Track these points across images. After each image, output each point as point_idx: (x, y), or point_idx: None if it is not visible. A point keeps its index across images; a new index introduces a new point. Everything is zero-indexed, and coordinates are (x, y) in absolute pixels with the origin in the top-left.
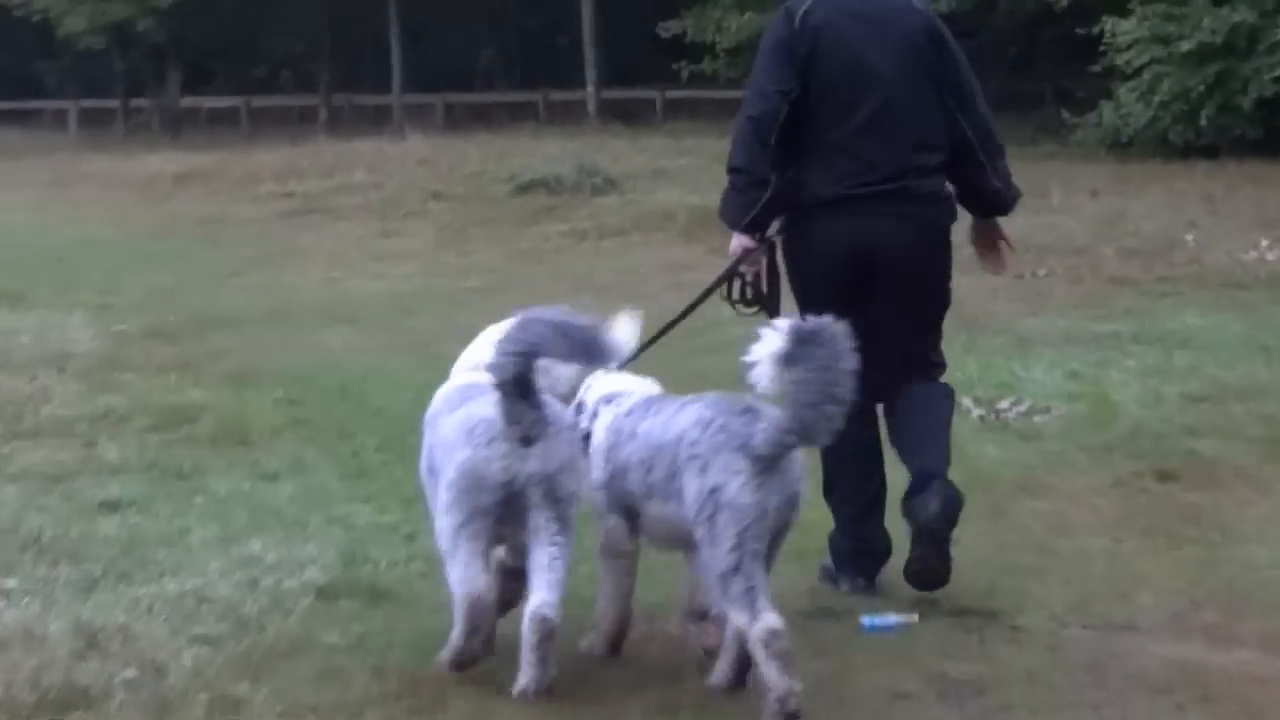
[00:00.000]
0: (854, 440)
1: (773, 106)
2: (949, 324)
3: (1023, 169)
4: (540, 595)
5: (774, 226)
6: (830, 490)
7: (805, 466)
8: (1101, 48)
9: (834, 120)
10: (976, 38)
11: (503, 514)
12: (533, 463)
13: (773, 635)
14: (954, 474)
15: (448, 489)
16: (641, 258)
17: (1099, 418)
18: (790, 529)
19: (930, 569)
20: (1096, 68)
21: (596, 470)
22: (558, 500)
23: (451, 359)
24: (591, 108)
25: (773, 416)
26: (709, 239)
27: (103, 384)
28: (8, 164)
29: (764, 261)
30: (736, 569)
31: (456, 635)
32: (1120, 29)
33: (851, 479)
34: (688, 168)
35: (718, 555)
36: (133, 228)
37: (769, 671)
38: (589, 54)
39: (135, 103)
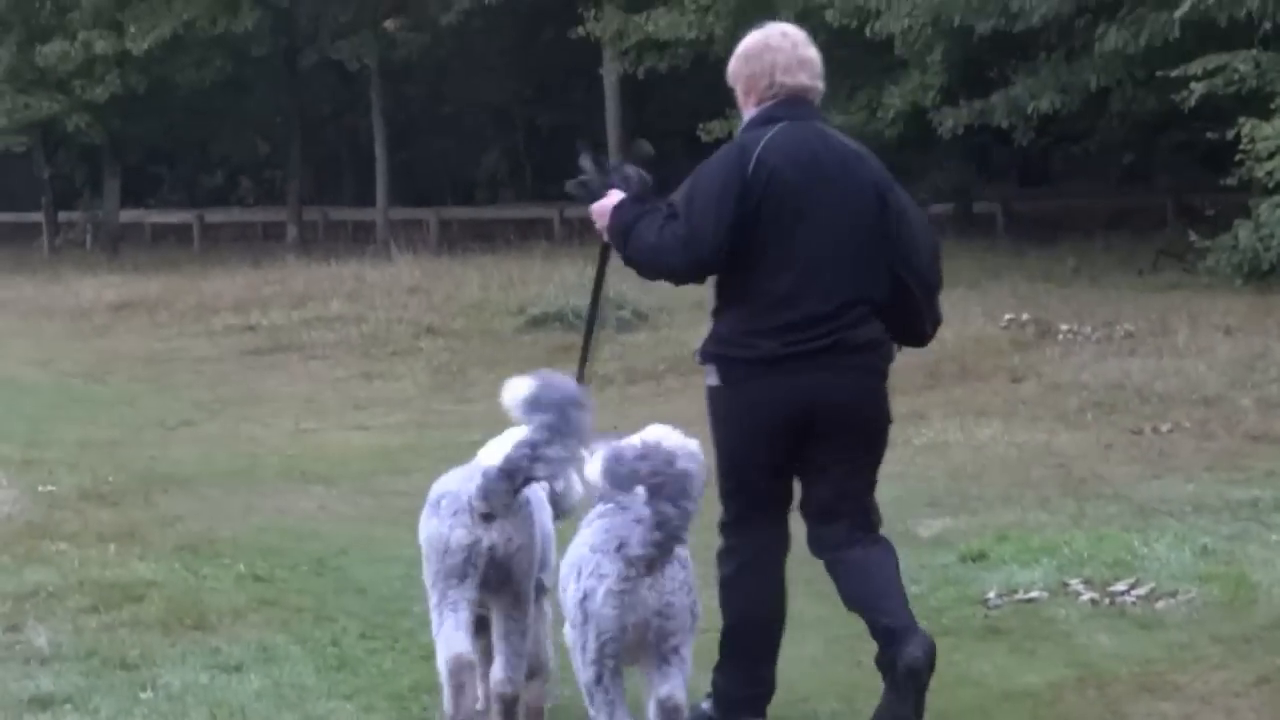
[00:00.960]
0: (771, 585)
1: (710, 256)
2: (1055, 487)
3: (1141, 302)
4: (497, 669)
5: (709, 374)
6: (733, 636)
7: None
8: (1238, 156)
9: (772, 271)
10: (1082, 144)
11: (473, 582)
12: (491, 535)
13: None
14: (1060, 668)
15: (425, 565)
16: (678, 407)
17: (1236, 603)
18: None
19: (908, 717)
20: (1231, 180)
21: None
22: (512, 578)
23: None
24: None
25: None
26: None
27: (29, 555)
28: None
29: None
30: (598, 680)
31: (446, 699)
32: (1261, 134)
33: (763, 623)
34: None
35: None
36: (62, 367)
37: None
38: (614, 161)
39: (65, 216)
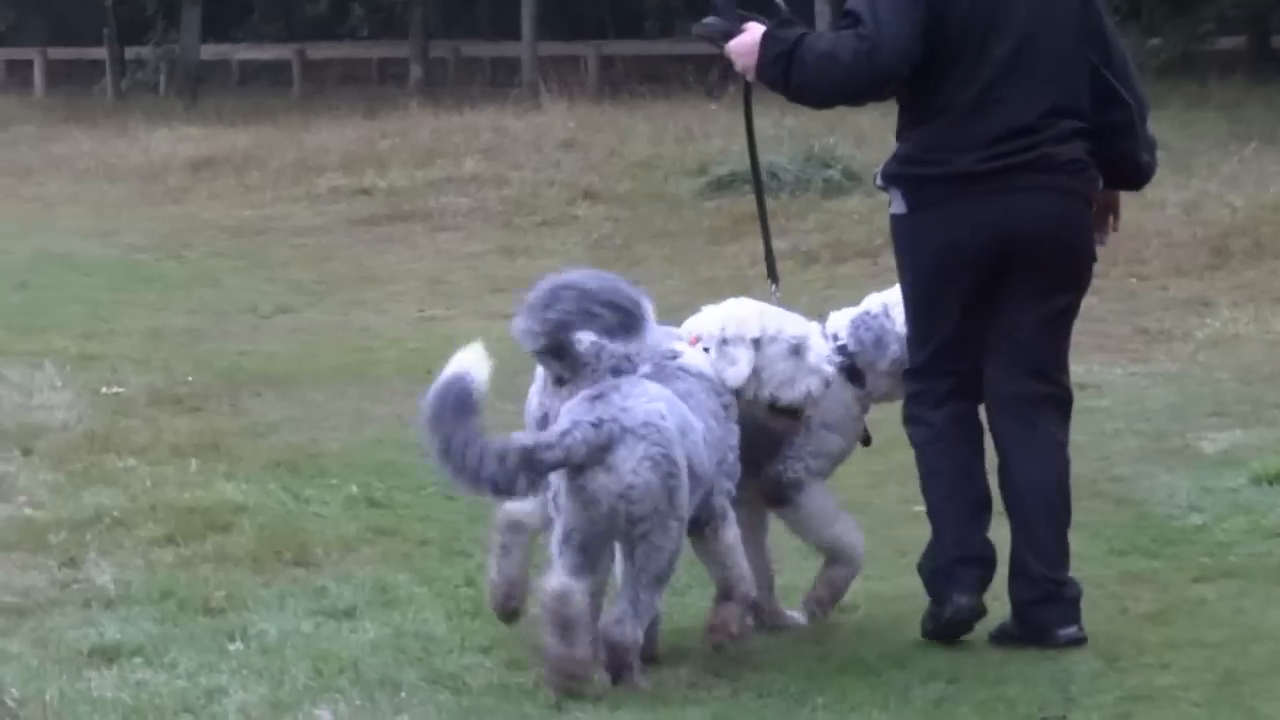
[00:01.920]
0: (969, 446)
1: (898, 61)
2: None
3: None
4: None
5: (894, 201)
6: (935, 508)
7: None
8: None
9: (965, 77)
10: None
11: None
12: (561, 400)
13: (554, 598)
14: None
15: None
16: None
17: None
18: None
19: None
20: None
21: None
22: None
23: None
24: None
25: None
26: None
27: (89, 474)
28: None
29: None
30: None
31: (491, 560)
32: None
33: (950, 477)
34: None
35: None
36: (129, 240)
37: (544, 634)
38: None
39: (133, 52)
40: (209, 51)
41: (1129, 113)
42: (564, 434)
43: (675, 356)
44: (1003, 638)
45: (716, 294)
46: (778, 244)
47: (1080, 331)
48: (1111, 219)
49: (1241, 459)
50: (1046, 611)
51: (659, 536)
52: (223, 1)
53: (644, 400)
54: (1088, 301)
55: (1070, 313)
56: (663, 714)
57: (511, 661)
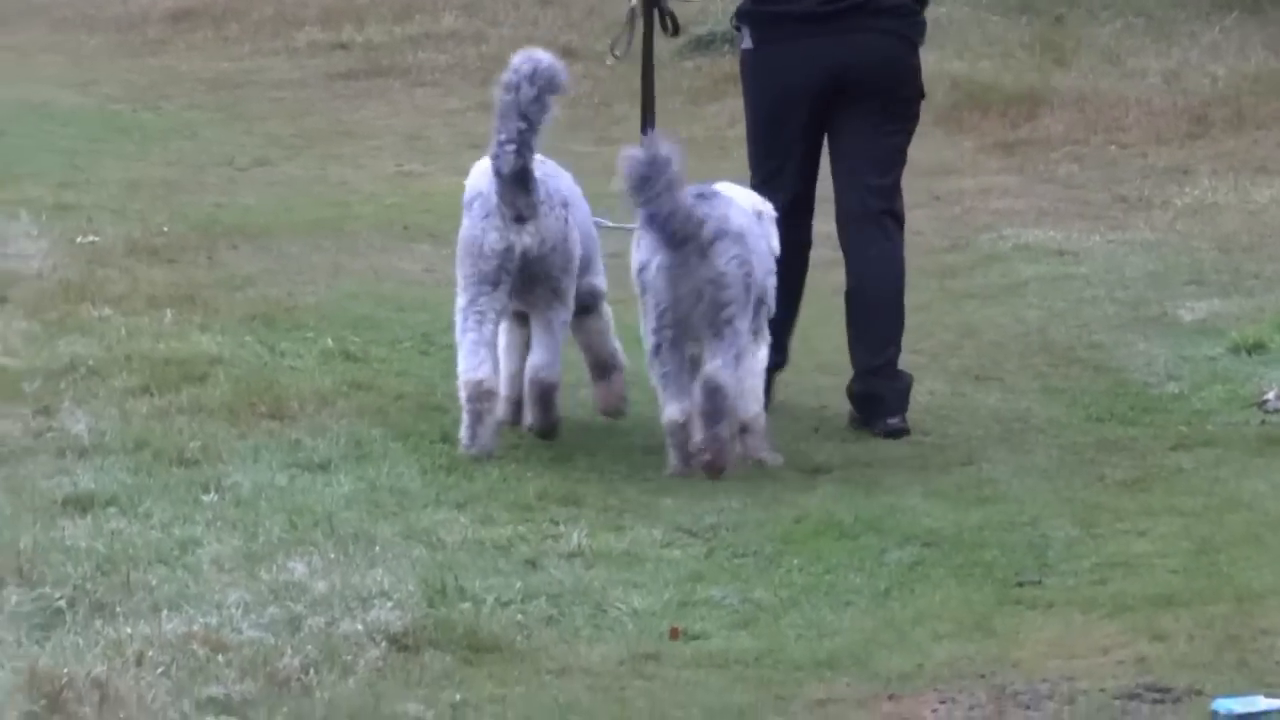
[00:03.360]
0: (798, 242)
1: None
2: None
3: None
4: (535, 357)
5: (743, 38)
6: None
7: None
8: None
9: None
10: None
11: (505, 289)
12: (525, 238)
13: (672, 425)
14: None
15: (457, 268)
16: None
17: None
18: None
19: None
20: None
21: None
22: (550, 275)
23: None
24: None
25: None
26: (983, 130)
27: (64, 323)
28: None
29: None
30: (655, 352)
31: (463, 427)
32: None
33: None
34: (951, 19)
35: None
36: (106, 90)
37: (667, 452)
38: None
39: None
40: None
41: None
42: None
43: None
44: (852, 423)
45: (697, 155)
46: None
47: (1059, 198)
48: None
49: (1220, 328)
50: (873, 403)
51: (740, 321)
52: None
53: (738, 212)
54: (1067, 168)
55: (900, 143)
56: (638, 573)
57: (486, 517)
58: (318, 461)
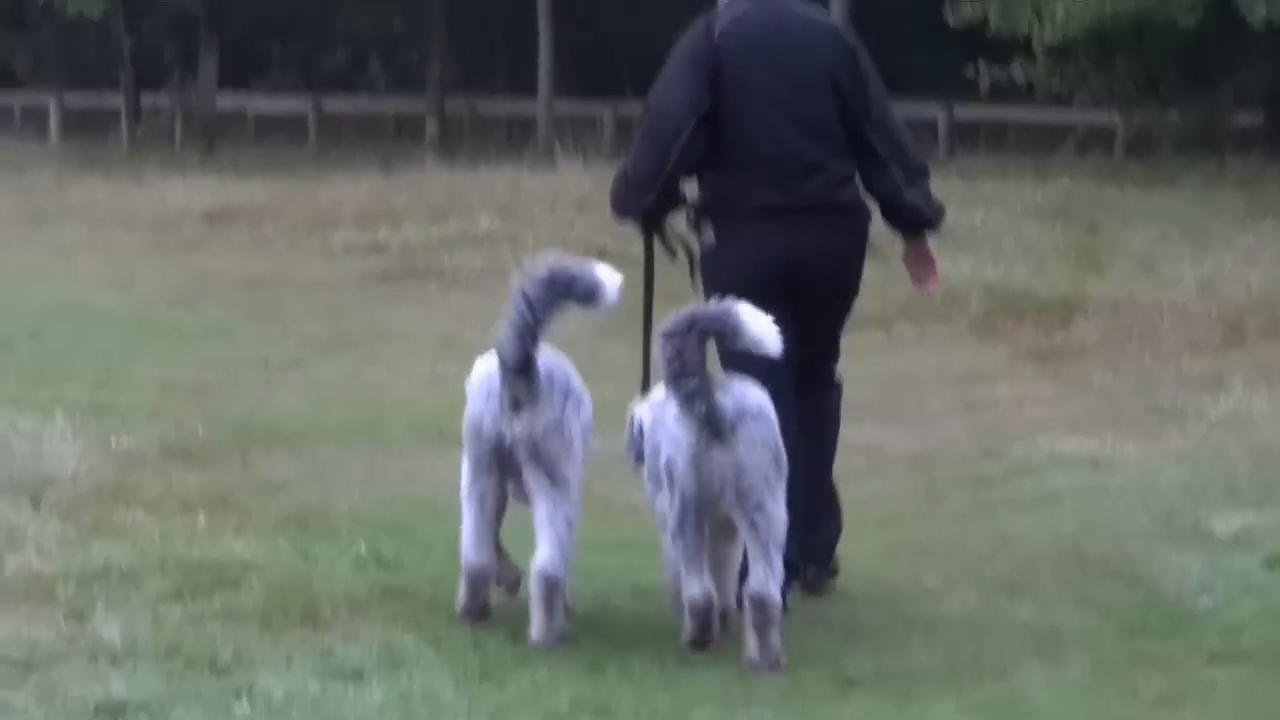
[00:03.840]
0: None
1: (677, 122)
2: None
3: None
4: (541, 552)
5: (707, 236)
6: None
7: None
8: None
9: (751, 133)
10: None
11: (502, 471)
12: (519, 426)
13: (694, 602)
14: None
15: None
16: (914, 361)
17: None
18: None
19: None
20: None
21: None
22: (545, 461)
23: (620, 502)
24: None
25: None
26: (1017, 337)
27: (97, 526)
28: None
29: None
30: (679, 531)
31: (461, 596)
32: None
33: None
34: (986, 225)
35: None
36: (143, 290)
37: (685, 621)
38: None
39: (149, 100)
40: (225, 101)
41: (884, 164)
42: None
43: None
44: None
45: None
46: None
47: (1093, 407)
48: (931, 262)
49: (1254, 541)
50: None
51: (771, 505)
52: (241, 52)
53: (754, 391)
54: (1102, 377)
55: (842, 326)
56: None
57: None
58: (350, 669)
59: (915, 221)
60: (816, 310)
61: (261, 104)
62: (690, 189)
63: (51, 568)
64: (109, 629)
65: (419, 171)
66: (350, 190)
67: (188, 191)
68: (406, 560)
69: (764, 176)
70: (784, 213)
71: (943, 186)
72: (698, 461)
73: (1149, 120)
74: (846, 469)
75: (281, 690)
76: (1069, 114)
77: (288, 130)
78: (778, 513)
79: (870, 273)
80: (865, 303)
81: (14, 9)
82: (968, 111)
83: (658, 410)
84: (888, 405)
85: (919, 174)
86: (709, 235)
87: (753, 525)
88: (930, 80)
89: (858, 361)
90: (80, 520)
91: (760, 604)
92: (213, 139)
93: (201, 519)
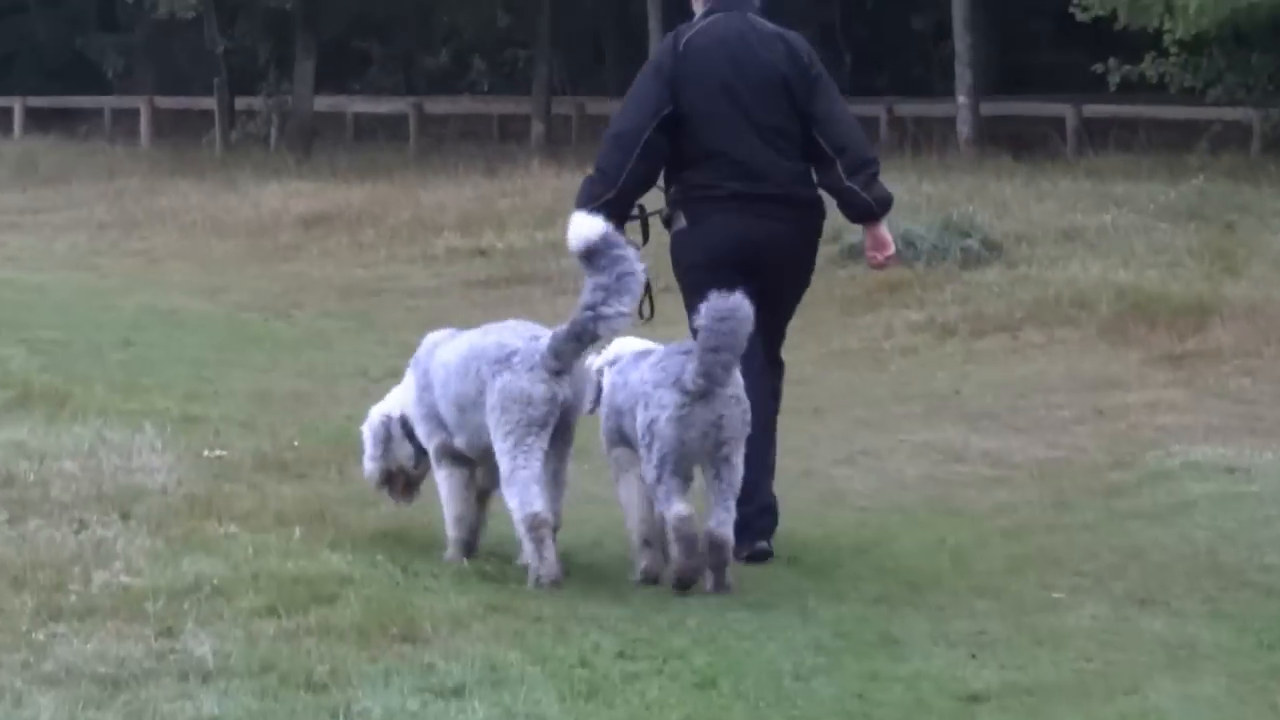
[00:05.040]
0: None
1: (640, 121)
2: None
3: None
4: (552, 493)
5: (678, 222)
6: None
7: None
8: None
9: (715, 132)
10: None
11: (548, 432)
12: (565, 389)
13: (680, 520)
14: None
15: (500, 416)
16: (1041, 368)
17: None
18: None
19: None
20: None
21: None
22: (570, 425)
23: None
24: (964, 130)
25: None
26: (1150, 342)
27: (189, 540)
28: (47, 193)
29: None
30: (659, 480)
31: (530, 553)
32: None
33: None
34: (1116, 226)
35: (648, 471)
36: (236, 298)
37: (672, 550)
38: (960, 44)
39: (244, 103)
40: (323, 103)
41: (832, 163)
42: None
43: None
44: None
45: (849, 365)
46: (912, 318)
47: (1229, 414)
48: (885, 241)
49: None
50: (739, 530)
51: (736, 458)
52: (338, 53)
53: None
54: (1238, 382)
55: (790, 316)
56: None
57: None
58: (451, 687)
59: (860, 208)
60: (770, 292)
61: (360, 105)
62: (650, 199)
63: (141, 583)
64: (200, 646)
65: (524, 175)
66: (453, 194)
67: (284, 196)
68: (510, 575)
69: (730, 171)
70: (749, 200)
71: (1070, 187)
72: (683, 420)
73: (1245, 117)
74: (972, 478)
75: (380, 708)
76: (1202, 110)
77: (387, 133)
78: (740, 464)
79: (995, 276)
80: (987, 307)
81: (103, 9)
82: (1097, 109)
83: (618, 375)
84: (1014, 413)
85: (863, 166)
86: (680, 221)
87: (717, 475)
88: (1058, 77)
89: (983, 368)
90: (171, 534)
91: (720, 545)
92: (310, 142)
93: (296, 532)
